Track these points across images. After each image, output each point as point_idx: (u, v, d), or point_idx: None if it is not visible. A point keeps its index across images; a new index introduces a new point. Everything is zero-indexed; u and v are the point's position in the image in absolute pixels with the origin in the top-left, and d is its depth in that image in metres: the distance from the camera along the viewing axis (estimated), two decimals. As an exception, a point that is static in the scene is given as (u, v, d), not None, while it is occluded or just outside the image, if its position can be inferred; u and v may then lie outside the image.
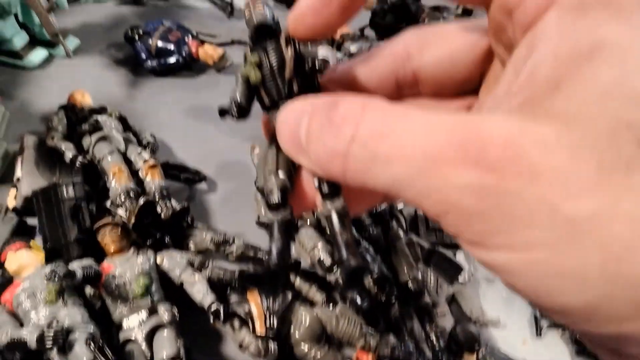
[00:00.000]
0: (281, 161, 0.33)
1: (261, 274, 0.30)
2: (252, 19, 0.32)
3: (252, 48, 0.33)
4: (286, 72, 0.32)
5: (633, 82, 0.20)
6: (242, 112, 0.33)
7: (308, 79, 0.33)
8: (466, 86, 0.34)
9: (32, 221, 0.74)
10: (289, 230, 0.32)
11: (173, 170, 0.82)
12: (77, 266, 0.57)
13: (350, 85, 0.35)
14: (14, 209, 0.73)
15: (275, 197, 0.32)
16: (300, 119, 0.29)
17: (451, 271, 0.70)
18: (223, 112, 0.33)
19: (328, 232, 0.32)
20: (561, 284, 0.21)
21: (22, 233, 0.72)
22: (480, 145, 0.21)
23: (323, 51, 0.31)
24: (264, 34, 0.33)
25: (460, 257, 0.73)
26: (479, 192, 0.21)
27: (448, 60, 0.33)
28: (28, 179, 0.73)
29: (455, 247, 0.78)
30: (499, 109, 0.25)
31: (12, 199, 0.73)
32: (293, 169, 0.34)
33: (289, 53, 0.32)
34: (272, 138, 0.34)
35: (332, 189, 0.31)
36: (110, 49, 1.04)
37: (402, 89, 0.35)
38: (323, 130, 0.27)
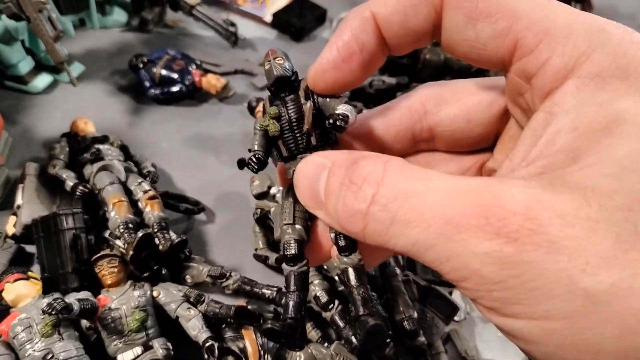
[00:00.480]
0: (297, 212, 0.33)
1: (279, 328, 0.30)
2: (272, 72, 0.32)
3: (271, 100, 0.34)
4: (304, 125, 0.32)
5: None
6: (261, 165, 0.33)
7: (326, 132, 0.33)
8: (481, 143, 0.34)
9: (31, 248, 0.74)
10: (305, 283, 0.32)
11: (173, 200, 0.82)
12: (74, 299, 0.57)
13: (367, 137, 0.35)
14: (13, 236, 0.73)
15: (292, 250, 0.32)
16: (320, 174, 0.29)
17: (447, 310, 0.70)
18: (242, 164, 0.33)
19: (342, 284, 0.31)
20: (577, 355, 0.21)
21: (20, 261, 0.73)
22: (501, 215, 0.21)
23: (343, 106, 0.31)
24: (284, 86, 0.33)
25: (456, 296, 0.73)
26: (499, 261, 0.21)
27: (464, 118, 0.33)
28: (28, 206, 0.73)
29: (451, 285, 0.77)
30: (517, 174, 0.25)
31: (11, 226, 0.73)
32: (309, 220, 0.34)
33: (307, 106, 0.32)
34: (289, 189, 0.34)
35: (350, 243, 0.31)
36: (114, 76, 1.05)
37: (417, 143, 0.36)
38: (343, 188, 0.27)
